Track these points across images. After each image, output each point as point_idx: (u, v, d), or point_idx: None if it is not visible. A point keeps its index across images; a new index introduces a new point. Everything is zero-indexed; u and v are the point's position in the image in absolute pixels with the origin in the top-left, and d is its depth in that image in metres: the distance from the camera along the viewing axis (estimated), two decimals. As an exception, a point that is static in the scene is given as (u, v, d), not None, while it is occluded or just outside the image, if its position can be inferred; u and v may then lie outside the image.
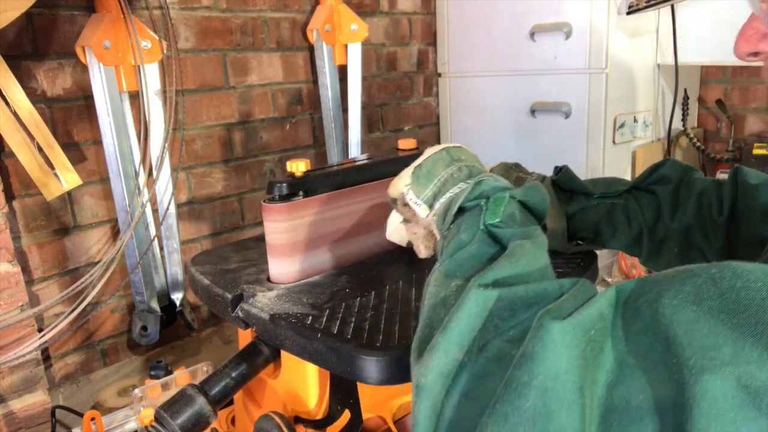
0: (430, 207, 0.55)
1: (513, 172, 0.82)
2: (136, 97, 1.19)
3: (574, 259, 0.81)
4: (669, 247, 0.74)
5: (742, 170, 0.70)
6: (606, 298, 0.34)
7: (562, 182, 0.80)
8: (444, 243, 0.52)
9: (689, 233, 0.73)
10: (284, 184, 0.73)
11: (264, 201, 0.73)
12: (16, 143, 0.96)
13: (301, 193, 0.74)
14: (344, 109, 1.59)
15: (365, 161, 0.83)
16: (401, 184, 0.57)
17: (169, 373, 1.08)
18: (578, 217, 0.78)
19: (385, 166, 0.83)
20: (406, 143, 0.87)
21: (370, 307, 0.67)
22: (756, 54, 0.49)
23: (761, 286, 0.29)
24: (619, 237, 0.76)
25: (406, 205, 0.57)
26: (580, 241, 0.79)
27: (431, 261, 0.79)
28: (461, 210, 0.52)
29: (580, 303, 0.34)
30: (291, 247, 0.73)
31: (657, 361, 0.29)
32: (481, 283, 0.38)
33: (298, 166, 0.74)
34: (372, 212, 0.81)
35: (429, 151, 0.59)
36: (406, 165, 0.88)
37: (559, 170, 0.83)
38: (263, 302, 0.69)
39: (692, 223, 0.72)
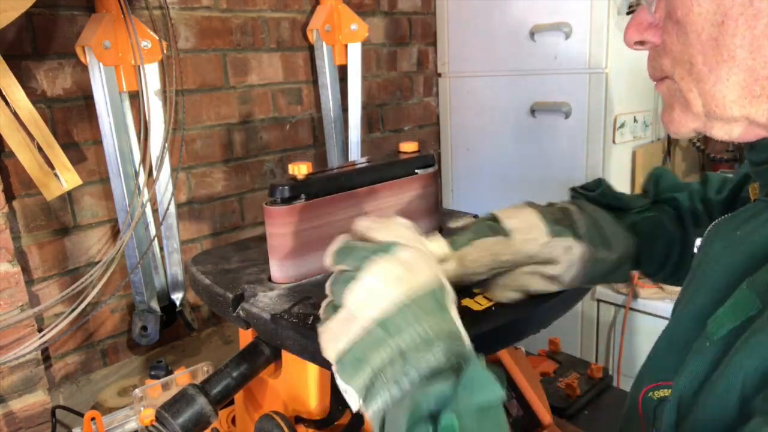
0: (364, 400, 0.46)
1: (489, 225, 0.66)
2: (136, 97, 1.19)
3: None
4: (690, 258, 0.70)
5: (709, 179, 0.72)
6: None
7: (607, 200, 0.72)
8: None
9: None
10: (286, 187, 0.72)
11: (266, 204, 0.73)
12: (16, 143, 0.96)
13: (303, 196, 0.73)
14: (344, 109, 1.59)
15: (367, 164, 0.83)
16: (329, 356, 0.48)
17: (169, 373, 1.08)
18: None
19: (387, 168, 0.83)
20: (408, 146, 0.87)
21: (371, 306, 0.66)
22: (642, 43, 0.49)
23: None
24: (655, 252, 0.70)
25: None
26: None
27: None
28: None
29: None
30: (293, 250, 0.73)
31: None
32: None
33: (300, 169, 0.74)
34: (374, 215, 0.81)
35: (356, 326, 0.45)
36: (408, 169, 0.85)
37: (587, 188, 0.74)
38: (264, 302, 0.69)
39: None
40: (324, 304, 0.50)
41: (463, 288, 0.67)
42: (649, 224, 0.70)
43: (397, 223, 0.52)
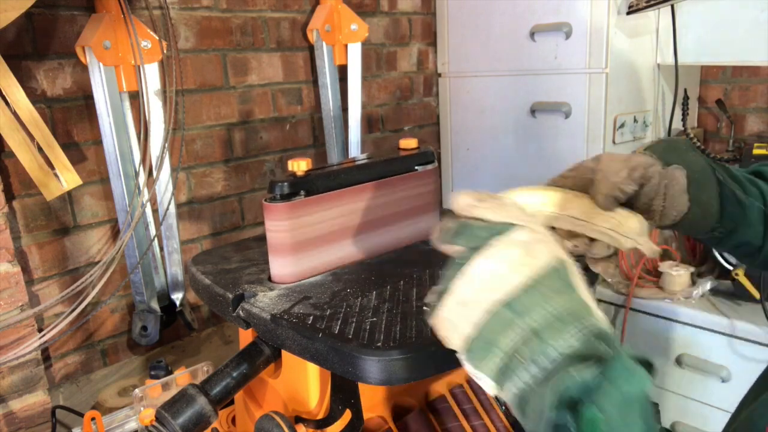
0: (498, 383, 0.44)
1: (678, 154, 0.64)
2: (136, 97, 1.19)
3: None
4: None
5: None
6: None
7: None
8: None
9: None
10: (285, 184, 0.73)
11: (265, 200, 0.73)
12: (16, 143, 0.96)
13: (302, 192, 0.73)
14: (344, 109, 1.59)
15: (366, 161, 0.83)
16: (454, 346, 0.46)
17: (169, 373, 1.08)
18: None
19: (386, 165, 0.83)
20: (408, 143, 0.87)
21: (371, 307, 0.67)
22: None
23: None
24: (751, 219, 0.65)
25: None
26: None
27: (431, 261, 0.79)
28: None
29: None
30: (292, 247, 0.73)
31: None
32: None
33: (300, 166, 0.74)
34: (374, 211, 0.81)
35: (483, 301, 0.44)
36: (408, 166, 0.85)
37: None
38: (264, 302, 0.69)
39: None
40: (434, 290, 0.48)
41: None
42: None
43: (507, 202, 0.48)
